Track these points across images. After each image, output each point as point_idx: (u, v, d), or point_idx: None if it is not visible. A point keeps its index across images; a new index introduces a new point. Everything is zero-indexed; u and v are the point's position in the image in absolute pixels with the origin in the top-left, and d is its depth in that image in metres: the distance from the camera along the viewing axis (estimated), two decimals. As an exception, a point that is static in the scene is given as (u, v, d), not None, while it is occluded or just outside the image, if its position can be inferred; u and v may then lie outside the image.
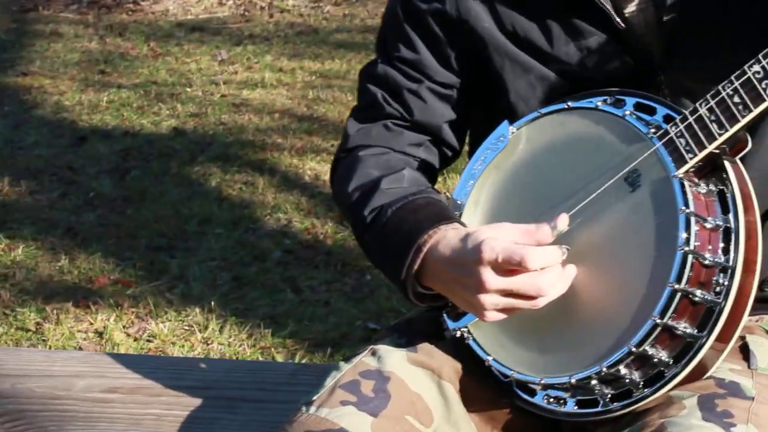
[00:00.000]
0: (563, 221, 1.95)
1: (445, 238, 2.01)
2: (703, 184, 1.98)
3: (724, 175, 1.98)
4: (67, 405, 2.38)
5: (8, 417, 2.35)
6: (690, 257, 1.91)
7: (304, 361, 4.04)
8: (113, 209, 5.62)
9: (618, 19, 2.07)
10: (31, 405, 2.38)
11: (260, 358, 4.19)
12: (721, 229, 1.95)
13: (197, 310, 4.54)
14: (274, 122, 6.83)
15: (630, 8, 2.08)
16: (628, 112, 2.02)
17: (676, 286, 1.90)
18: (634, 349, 1.92)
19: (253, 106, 7.14)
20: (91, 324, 4.47)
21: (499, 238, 1.93)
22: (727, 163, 1.98)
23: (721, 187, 1.97)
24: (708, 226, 1.94)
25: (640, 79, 2.10)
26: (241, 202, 5.64)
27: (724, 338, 1.95)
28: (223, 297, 4.66)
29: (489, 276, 1.92)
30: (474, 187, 2.15)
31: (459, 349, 2.12)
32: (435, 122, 2.24)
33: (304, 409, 2.03)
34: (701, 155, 1.94)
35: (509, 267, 1.91)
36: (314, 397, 2.05)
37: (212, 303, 4.58)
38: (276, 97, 7.32)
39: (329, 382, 2.08)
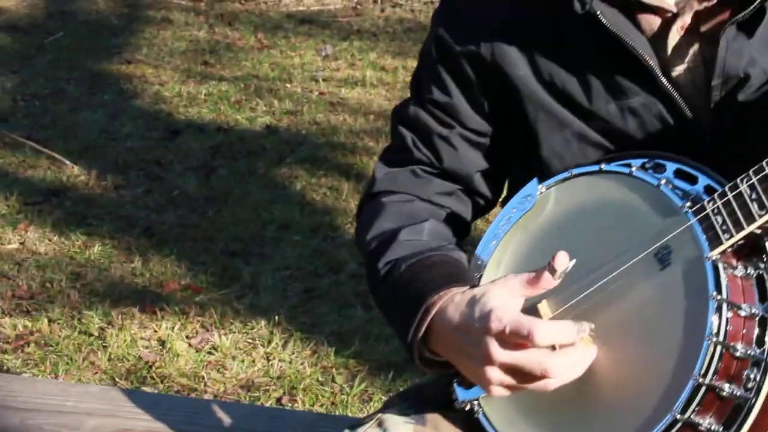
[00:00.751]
0: (562, 261, 1.79)
1: (453, 301, 1.87)
2: (741, 266, 1.79)
3: (765, 258, 1.79)
4: (73, 447, 2.29)
5: (14, 455, 2.28)
6: (719, 348, 1.73)
7: (361, 386, 3.91)
8: (194, 209, 5.56)
9: (664, 80, 1.89)
10: (36, 444, 2.30)
11: (319, 378, 4.08)
12: (758, 317, 1.77)
13: (263, 322, 4.45)
14: (369, 124, 6.71)
15: (678, 68, 1.91)
16: (663, 181, 1.85)
17: (701, 380, 1.73)
18: (652, 447, 1.75)
19: (350, 106, 7.03)
20: (155, 332, 4.41)
21: (509, 308, 1.78)
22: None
23: (761, 272, 1.79)
24: (742, 314, 1.76)
25: (686, 143, 1.92)
26: (323, 208, 5.53)
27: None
28: (291, 309, 4.56)
29: (495, 349, 1.77)
30: (497, 247, 2.00)
31: (470, 422, 1.96)
32: (466, 171, 2.09)
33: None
34: (738, 237, 1.76)
35: (517, 340, 1.76)
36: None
37: (280, 316, 4.48)
38: (374, 97, 7.20)
39: (328, 455, 1.95)
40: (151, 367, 4.16)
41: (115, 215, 5.47)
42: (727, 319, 1.74)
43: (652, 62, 1.89)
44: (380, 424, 1.98)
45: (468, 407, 1.93)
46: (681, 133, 1.93)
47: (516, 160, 2.10)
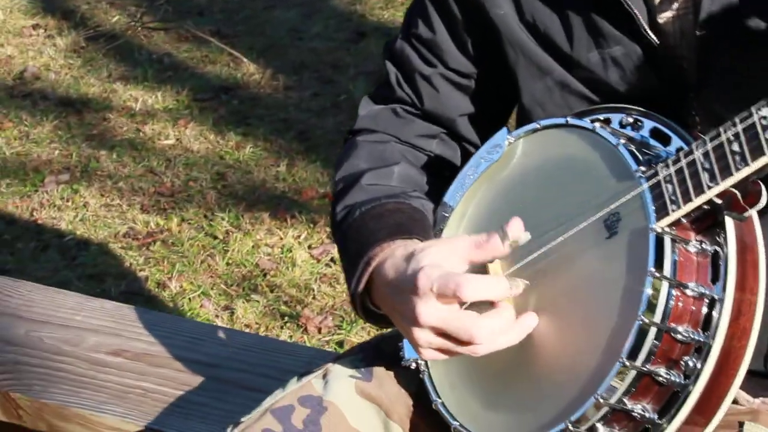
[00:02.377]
0: (516, 228, 1.63)
1: (393, 256, 1.74)
2: (696, 241, 1.60)
3: (723, 234, 1.59)
4: (65, 364, 2.28)
5: (2, 368, 2.28)
6: (654, 329, 1.56)
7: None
8: (354, 115, 5.48)
9: (647, 26, 1.69)
10: (30, 358, 2.30)
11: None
12: (707, 299, 1.58)
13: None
14: None
15: (665, 15, 1.70)
16: (623, 141, 1.66)
17: (629, 363, 1.56)
18: (571, 428, 1.60)
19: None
20: (281, 239, 4.39)
21: (443, 264, 1.64)
22: (728, 221, 1.59)
23: (717, 249, 1.59)
24: (689, 293, 1.57)
25: (671, 99, 1.73)
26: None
27: (694, 428, 1.60)
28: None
29: (422, 309, 1.63)
30: (462, 198, 1.85)
31: (417, 381, 1.85)
32: (447, 114, 1.94)
33: (229, 430, 1.83)
34: (686, 209, 1.57)
35: (445, 300, 1.63)
36: (244, 418, 1.85)
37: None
38: None
39: (268, 401, 1.87)
40: (266, 275, 4.15)
41: (276, 117, 5.47)
42: (668, 298, 1.56)
43: (636, 7, 1.70)
44: (324, 376, 1.88)
45: (413, 366, 1.81)
46: (664, 87, 1.74)
47: (507, 106, 1.94)
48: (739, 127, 1.51)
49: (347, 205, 1.87)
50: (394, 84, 1.95)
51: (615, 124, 1.75)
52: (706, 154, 1.55)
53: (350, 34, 6.62)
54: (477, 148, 1.97)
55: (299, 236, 4.36)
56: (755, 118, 1.50)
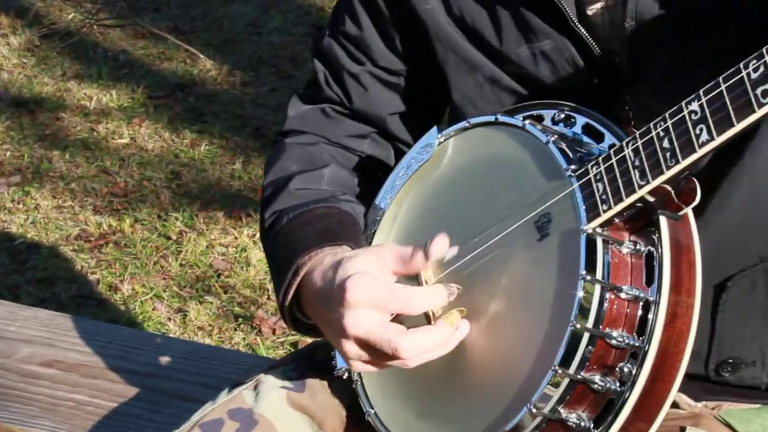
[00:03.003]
0: (439, 246, 1.56)
1: (322, 264, 1.67)
2: (630, 242, 1.54)
3: (657, 235, 1.53)
4: (-5, 377, 2.21)
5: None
6: (586, 336, 1.50)
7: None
8: (311, 111, 5.42)
9: (575, 19, 1.63)
10: (-39, 371, 2.23)
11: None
12: (642, 302, 1.52)
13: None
14: None
15: (595, 6, 1.64)
16: (554, 138, 1.60)
17: (561, 371, 1.50)
18: (504, 440, 1.55)
19: None
20: (235, 239, 4.32)
21: (370, 273, 1.58)
22: (663, 220, 1.53)
23: (652, 249, 1.53)
24: (624, 296, 1.51)
25: (604, 94, 1.67)
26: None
27: (631, 437, 1.54)
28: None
29: (350, 320, 1.57)
30: (394, 200, 1.79)
31: (351, 392, 1.79)
32: (377, 113, 1.87)
33: (156, 444, 1.77)
34: (618, 208, 1.51)
35: (377, 312, 1.57)
36: (175, 432, 1.78)
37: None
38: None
39: (197, 415, 1.80)
40: (220, 275, 4.08)
41: (232, 113, 5.39)
42: (601, 302, 1.50)
43: (565, 1, 1.64)
44: (256, 387, 1.81)
45: (345, 375, 1.75)
46: (596, 81, 1.68)
47: (439, 103, 1.88)
48: (669, 123, 1.46)
49: (275, 211, 1.81)
50: (322, 83, 1.89)
51: (547, 121, 1.69)
52: (636, 151, 1.49)
53: (309, 28, 6.55)
54: (410, 147, 1.91)
55: (254, 235, 4.29)
56: (685, 112, 1.44)
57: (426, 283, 1.66)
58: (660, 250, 1.51)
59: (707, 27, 1.60)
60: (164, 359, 2.21)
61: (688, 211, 1.51)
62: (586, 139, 1.64)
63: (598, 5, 1.63)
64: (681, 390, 1.57)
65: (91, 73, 5.81)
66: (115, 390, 2.15)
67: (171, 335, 3.53)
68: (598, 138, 1.62)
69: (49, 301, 3.85)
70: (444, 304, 1.58)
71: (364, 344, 1.57)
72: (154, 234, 4.32)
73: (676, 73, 1.60)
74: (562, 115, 1.66)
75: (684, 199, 1.49)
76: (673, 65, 1.61)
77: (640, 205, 1.50)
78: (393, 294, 1.55)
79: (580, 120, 1.65)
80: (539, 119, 1.69)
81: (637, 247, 1.52)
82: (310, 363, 1.83)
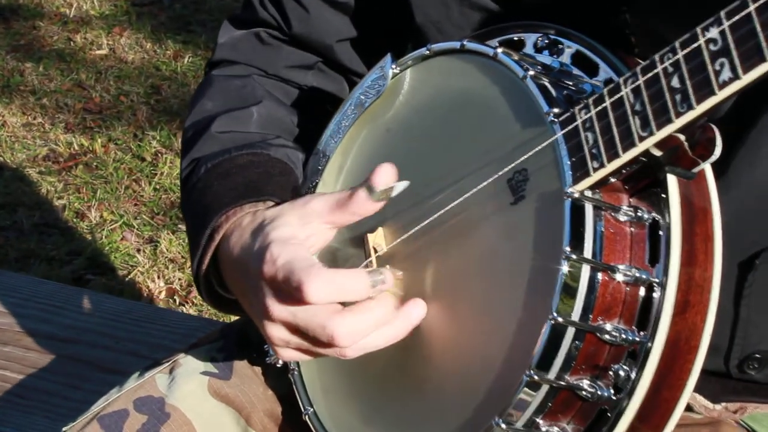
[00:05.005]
0: (384, 176, 1.22)
1: (241, 225, 1.34)
2: (627, 207, 1.19)
3: (665, 198, 1.18)
4: None
5: None
6: (570, 330, 1.16)
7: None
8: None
9: None
10: None
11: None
12: (644, 285, 1.17)
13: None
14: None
15: None
16: (533, 73, 1.25)
17: (538, 376, 1.16)
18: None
19: None
20: (214, 159, 3.97)
21: (296, 237, 1.24)
22: (672, 179, 1.18)
23: (658, 217, 1.18)
24: (620, 278, 1.17)
25: (600, 12, 1.32)
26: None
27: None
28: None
29: (272, 300, 1.24)
30: (340, 143, 1.44)
31: (286, 381, 1.45)
32: (322, 40, 1.52)
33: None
34: (611, 167, 1.16)
35: (290, 293, 1.23)
36: (69, 426, 1.45)
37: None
38: None
39: (99, 403, 1.48)
40: (196, 202, 3.74)
41: (220, 22, 4.98)
42: (591, 286, 1.16)
43: None
44: (172, 370, 1.48)
45: (279, 363, 1.41)
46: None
47: (400, 27, 1.52)
48: (680, 54, 1.10)
49: (193, 159, 1.47)
50: (257, 3, 1.53)
51: (529, 48, 1.34)
52: (637, 91, 1.13)
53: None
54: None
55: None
56: (701, 41, 1.08)
57: (375, 251, 1.32)
58: (668, 219, 1.16)
59: None
60: (90, 320, 1.87)
61: (706, 167, 1.15)
62: (576, 71, 1.28)
63: None
64: (696, 390, 1.23)
65: (73, -22, 5.43)
66: (28, 359, 1.82)
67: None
68: (592, 71, 1.27)
69: (9, 230, 3.52)
70: (365, 296, 1.23)
71: (293, 328, 1.23)
72: (128, 155, 3.98)
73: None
74: (547, 40, 1.31)
75: (700, 152, 1.14)
76: None
77: (643, 159, 1.14)
78: (293, 273, 1.20)
79: (570, 46, 1.29)
80: (518, 45, 1.34)
81: (639, 213, 1.18)
82: (241, 342, 1.50)
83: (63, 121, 4.20)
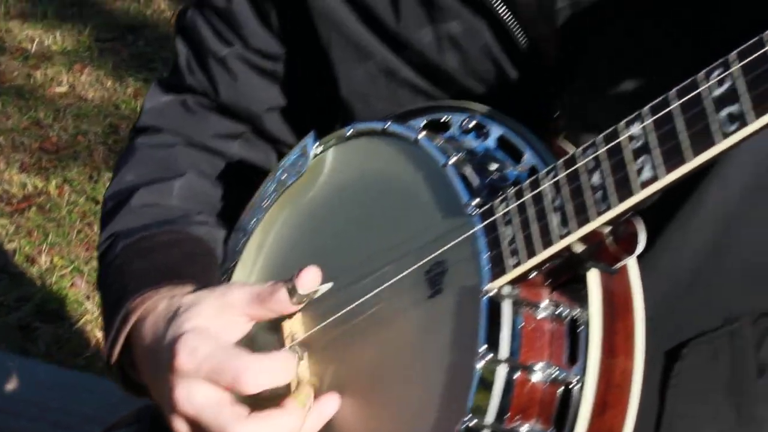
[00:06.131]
0: (308, 280, 1.20)
1: (156, 310, 1.29)
2: (548, 303, 1.15)
3: (585, 293, 1.14)
4: None
5: None
6: None
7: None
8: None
9: None
10: None
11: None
12: (561, 385, 1.13)
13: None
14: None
15: None
16: (455, 159, 1.20)
17: (449, 482, 1.11)
18: None
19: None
20: (172, 203, 3.91)
21: (209, 330, 1.19)
22: (593, 275, 1.13)
23: (578, 314, 1.14)
24: (535, 379, 1.12)
25: (528, 95, 1.27)
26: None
27: None
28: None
29: (181, 393, 1.19)
30: (260, 224, 1.39)
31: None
32: (250, 108, 1.48)
33: None
34: (530, 263, 1.11)
35: (213, 386, 1.18)
36: None
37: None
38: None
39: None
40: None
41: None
42: (507, 387, 1.11)
43: None
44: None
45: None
46: (518, 78, 1.28)
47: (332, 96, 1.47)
48: (601, 150, 1.06)
49: (111, 234, 1.42)
50: (184, 68, 1.49)
51: (455, 129, 1.29)
52: (556, 186, 1.09)
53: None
54: (293, 149, 1.50)
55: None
56: (622, 137, 1.04)
57: (293, 339, 1.27)
58: (587, 316, 1.11)
59: (670, 11, 1.19)
60: (10, 389, 1.80)
61: (630, 260, 1.11)
62: (502, 156, 1.23)
63: None
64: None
65: (36, 12, 5.37)
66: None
67: (35, 357, 3.05)
68: (517, 156, 1.22)
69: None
70: (291, 377, 1.19)
71: (196, 425, 1.19)
72: (82, 197, 3.92)
73: (621, 75, 1.20)
74: (473, 123, 1.26)
75: (622, 247, 1.10)
76: (617, 63, 1.20)
77: (565, 254, 1.10)
78: (225, 364, 1.16)
79: (496, 130, 1.25)
80: (444, 127, 1.29)
81: (559, 310, 1.13)
82: (155, 427, 1.44)
83: (18, 161, 4.14)
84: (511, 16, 1.23)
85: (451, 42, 1.27)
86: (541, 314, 1.12)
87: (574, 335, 1.12)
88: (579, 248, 1.10)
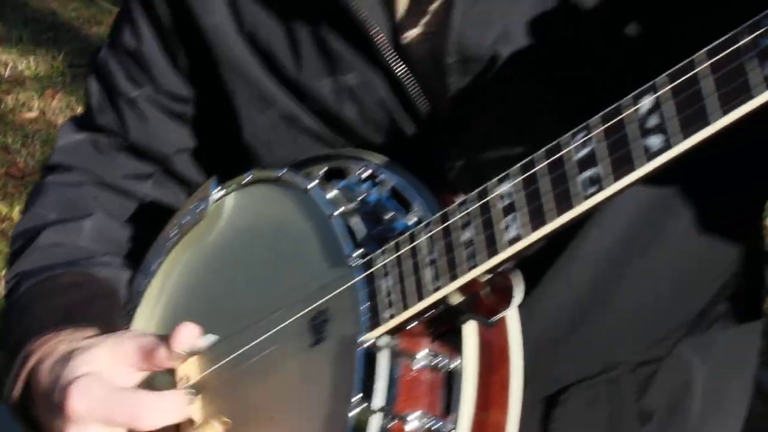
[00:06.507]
0: (186, 337, 1.22)
1: (53, 354, 1.30)
2: (426, 354, 1.16)
3: (462, 345, 1.16)
4: None
5: None
6: None
7: None
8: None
9: (386, 48, 1.26)
10: None
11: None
12: (436, 437, 1.15)
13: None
14: None
15: (411, 33, 1.26)
16: (343, 210, 1.23)
17: None
18: None
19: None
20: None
21: (102, 374, 1.21)
22: (469, 327, 1.15)
23: (457, 365, 1.16)
24: (411, 427, 1.14)
25: (424, 147, 1.30)
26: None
27: None
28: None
29: None
30: (162, 266, 1.41)
31: None
32: (160, 149, 1.50)
33: None
34: (403, 316, 1.13)
35: (106, 429, 1.20)
36: None
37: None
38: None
39: None
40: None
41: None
42: None
43: (376, 20, 1.25)
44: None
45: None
46: (413, 130, 1.30)
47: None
48: (472, 207, 1.08)
49: (17, 273, 1.43)
50: (96, 108, 1.51)
51: (352, 178, 1.31)
52: (432, 240, 1.11)
53: None
54: (206, 190, 1.52)
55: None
56: (490, 195, 1.06)
57: (187, 380, 1.29)
58: (463, 367, 1.13)
59: (554, 72, 1.22)
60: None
61: (510, 312, 1.13)
62: (393, 207, 1.25)
63: (415, 32, 1.25)
64: None
65: (11, 37, 5.39)
66: None
67: None
68: (407, 208, 1.24)
69: None
70: (181, 417, 1.21)
71: None
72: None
73: (509, 130, 1.23)
74: (368, 172, 1.28)
75: (499, 300, 1.11)
76: (506, 119, 1.22)
77: (443, 305, 1.12)
78: (120, 404, 1.17)
79: (389, 180, 1.27)
80: (343, 175, 1.31)
81: (437, 360, 1.15)
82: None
83: (-17, 186, 4.15)
84: (405, 70, 1.25)
85: (349, 93, 1.29)
86: (418, 364, 1.14)
87: (452, 386, 1.14)
88: (457, 300, 1.12)
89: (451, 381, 1.13)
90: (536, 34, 1.19)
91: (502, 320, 1.14)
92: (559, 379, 1.29)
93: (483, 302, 1.11)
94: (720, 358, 1.36)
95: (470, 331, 1.13)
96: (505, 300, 1.10)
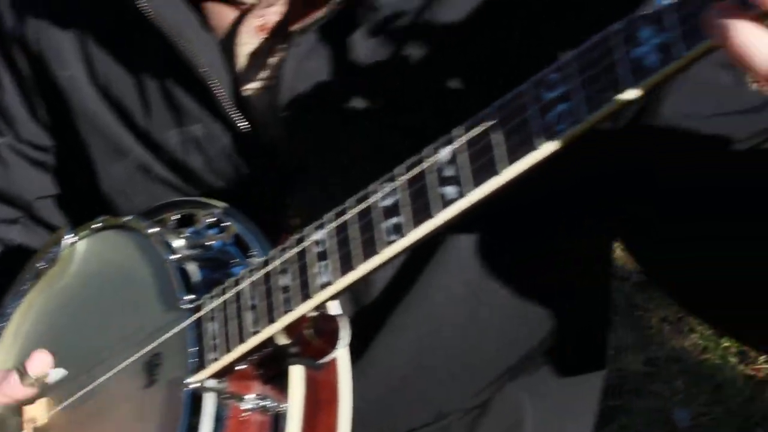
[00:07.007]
0: (37, 365, 1.27)
1: None
2: (254, 397, 1.19)
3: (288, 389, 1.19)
4: None
5: None
6: None
7: None
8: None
9: (225, 101, 1.29)
10: None
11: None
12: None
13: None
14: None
15: (251, 86, 1.30)
16: (181, 255, 1.26)
17: None
18: None
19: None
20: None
21: None
22: (295, 369, 1.18)
23: (284, 407, 1.18)
24: (238, 471, 1.16)
25: (266, 194, 1.33)
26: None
27: None
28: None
29: None
30: (19, 308, 1.44)
31: None
32: (21, 195, 1.52)
33: None
34: (225, 360, 1.16)
35: None
36: None
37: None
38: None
39: None
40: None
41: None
42: None
43: (216, 75, 1.29)
44: None
45: None
46: (255, 177, 1.34)
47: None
48: (289, 253, 1.11)
49: None
50: None
51: (201, 224, 1.34)
52: (253, 285, 1.14)
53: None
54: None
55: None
56: (307, 242, 1.09)
57: (34, 422, 1.32)
58: (286, 411, 1.16)
59: (397, 111, 1.25)
60: None
61: (338, 354, 1.15)
62: (234, 252, 1.29)
63: (255, 85, 1.28)
64: None
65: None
66: None
67: None
68: (248, 252, 1.27)
69: None
70: None
71: None
72: None
73: (344, 175, 1.26)
74: (214, 219, 1.32)
75: (325, 342, 1.14)
76: (341, 164, 1.26)
77: (270, 348, 1.15)
78: None
79: (232, 226, 1.30)
80: (192, 222, 1.34)
81: (265, 403, 1.18)
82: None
83: None
84: (245, 121, 1.29)
85: (195, 144, 1.32)
86: (246, 406, 1.16)
87: (278, 429, 1.17)
88: (283, 342, 1.15)
89: (279, 423, 1.16)
90: (371, 84, 1.23)
91: (332, 362, 1.16)
92: (396, 428, 1.32)
93: (310, 344, 1.13)
94: (553, 399, 1.39)
95: (297, 374, 1.15)
96: (331, 342, 1.13)
